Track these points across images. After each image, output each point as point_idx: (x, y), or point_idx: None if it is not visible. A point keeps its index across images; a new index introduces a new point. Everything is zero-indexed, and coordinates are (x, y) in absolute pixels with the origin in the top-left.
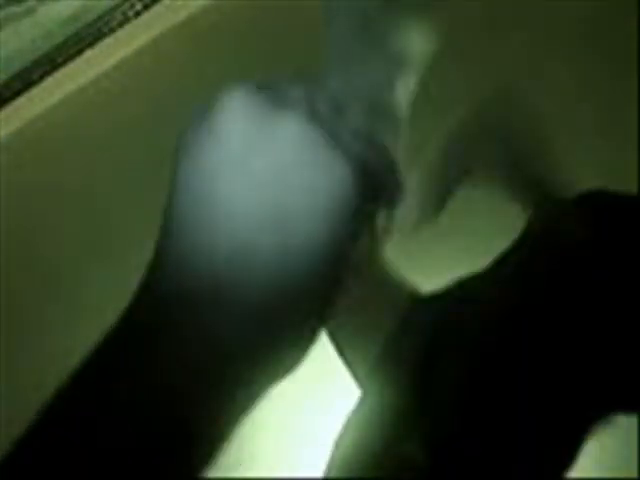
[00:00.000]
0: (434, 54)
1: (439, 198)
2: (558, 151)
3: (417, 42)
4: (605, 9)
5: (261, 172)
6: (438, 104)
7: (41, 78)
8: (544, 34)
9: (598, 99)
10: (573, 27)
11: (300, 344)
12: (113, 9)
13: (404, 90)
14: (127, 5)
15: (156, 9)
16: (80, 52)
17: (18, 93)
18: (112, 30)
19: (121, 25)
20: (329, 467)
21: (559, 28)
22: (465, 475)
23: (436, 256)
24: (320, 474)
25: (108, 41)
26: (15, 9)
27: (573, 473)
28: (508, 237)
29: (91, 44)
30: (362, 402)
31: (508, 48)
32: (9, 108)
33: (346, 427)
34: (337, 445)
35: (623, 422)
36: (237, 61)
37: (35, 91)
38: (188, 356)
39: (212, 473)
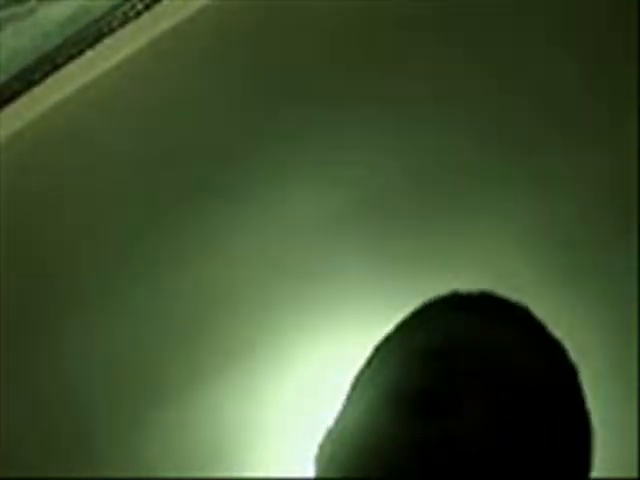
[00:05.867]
0: None
1: None
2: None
3: None
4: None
5: None
6: None
7: (42, 78)
8: None
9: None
10: None
11: None
12: (114, 9)
13: None
14: (128, 5)
15: (156, 9)
16: (81, 52)
17: (19, 93)
18: (113, 30)
19: (122, 25)
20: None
21: None
22: None
23: None
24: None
25: (109, 41)
26: (16, 9)
27: None
28: None
29: (91, 44)
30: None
31: None
32: (10, 108)
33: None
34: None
35: (623, 422)
36: (237, 61)
37: (36, 91)
38: None
39: (210, 474)
